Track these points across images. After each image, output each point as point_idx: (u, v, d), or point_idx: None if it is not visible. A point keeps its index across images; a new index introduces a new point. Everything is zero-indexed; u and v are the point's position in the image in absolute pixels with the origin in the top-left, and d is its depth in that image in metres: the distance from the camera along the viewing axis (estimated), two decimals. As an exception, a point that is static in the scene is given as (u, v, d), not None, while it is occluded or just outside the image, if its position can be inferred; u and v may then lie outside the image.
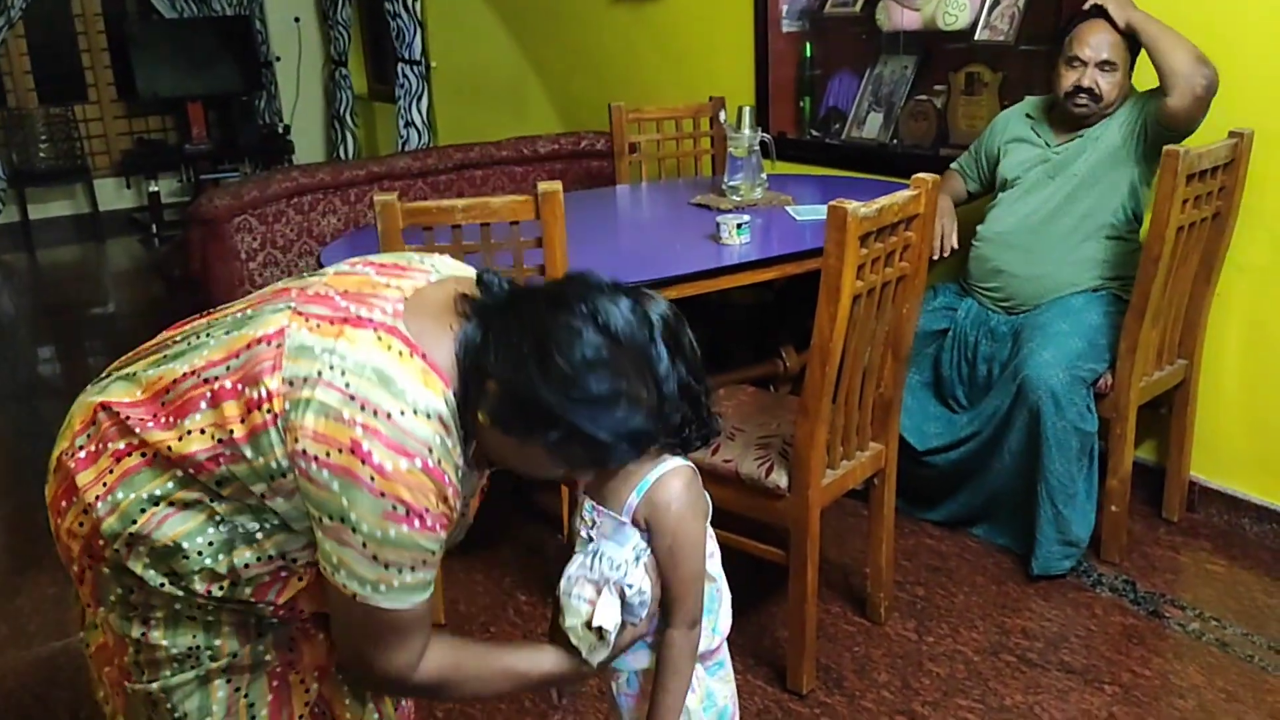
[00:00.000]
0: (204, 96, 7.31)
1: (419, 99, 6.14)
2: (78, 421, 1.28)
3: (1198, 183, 2.53)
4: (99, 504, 1.22)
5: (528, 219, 2.25)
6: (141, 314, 5.57)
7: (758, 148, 3.14)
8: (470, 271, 1.32)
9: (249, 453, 1.16)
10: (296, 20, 7.47)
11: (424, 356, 1.15)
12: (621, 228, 3.30)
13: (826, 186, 3.43)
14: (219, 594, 1.24)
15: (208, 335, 1.25)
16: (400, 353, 1.14)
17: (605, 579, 1.32)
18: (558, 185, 2.22)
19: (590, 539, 1.38)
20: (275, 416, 1.14)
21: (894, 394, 2.35)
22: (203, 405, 1.19)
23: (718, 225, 2.72)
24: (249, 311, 1.26)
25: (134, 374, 1.27)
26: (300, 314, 1.20)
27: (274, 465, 1.16)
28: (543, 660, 1.36)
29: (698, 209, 3.13)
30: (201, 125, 7.33)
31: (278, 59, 7.54)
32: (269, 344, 1.18)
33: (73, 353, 5.11)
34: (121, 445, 1.22)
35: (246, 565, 1.22)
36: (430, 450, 1.13)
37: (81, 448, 1.25)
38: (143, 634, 1.27)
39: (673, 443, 1.34)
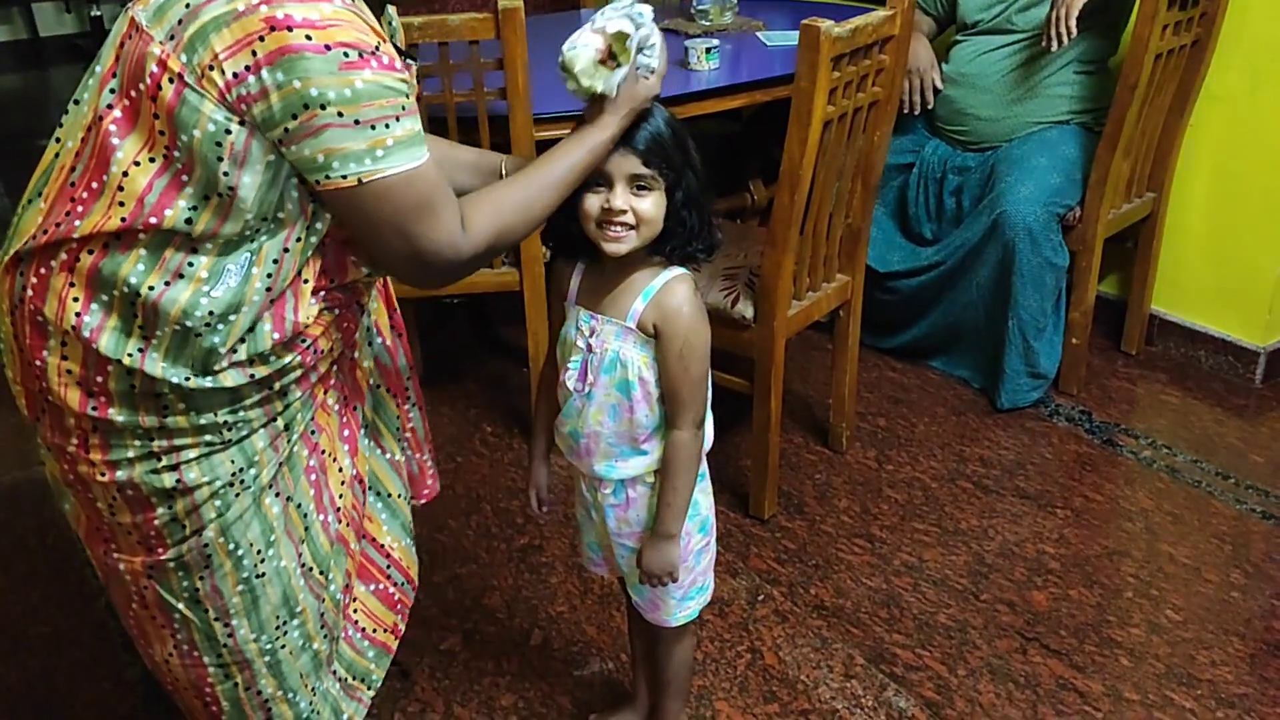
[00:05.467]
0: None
1: (373, -83, 5.82)
2: (5, 283, 1.18)
3: (1178, 9, 2.46)
4: (84, 320, 1.12)
5: (487, 38, 2.15)
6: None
7: (728, -31, 3.02)
8: None
9: (184, 137, 1.06)
10: None
11: None
12: (586, 54, 3.18)
13: (799, 12, 3.30)
14: (254, 369, 1.17)
15: (73, 108, 1.15)
16: None
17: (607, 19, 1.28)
18: (519, 1, 2.12)
19: (590, 348, 1.39)
20: (178, 77, 1.05)
21: (862, 224, 2.33)
22: (114, 144, 1.08)
23: (686, 50, 2.63)
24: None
25: (30, 200, 1.18)
26: None
27: (212, 127, 1.05)
28: (567, 146, 1.28)
29: (666, 34, 3.00)
30: (143, -55, 6.94)
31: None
32: (128, 38, 1.08)
33: (22, 187, 4.95)
34: (64, 256, 1.12)
35: (257, 314, 1.15)
36: None
37: (24, 288, 1.15)
38: (177, 481, 1.19)
39: (677, 255, 1.37)
